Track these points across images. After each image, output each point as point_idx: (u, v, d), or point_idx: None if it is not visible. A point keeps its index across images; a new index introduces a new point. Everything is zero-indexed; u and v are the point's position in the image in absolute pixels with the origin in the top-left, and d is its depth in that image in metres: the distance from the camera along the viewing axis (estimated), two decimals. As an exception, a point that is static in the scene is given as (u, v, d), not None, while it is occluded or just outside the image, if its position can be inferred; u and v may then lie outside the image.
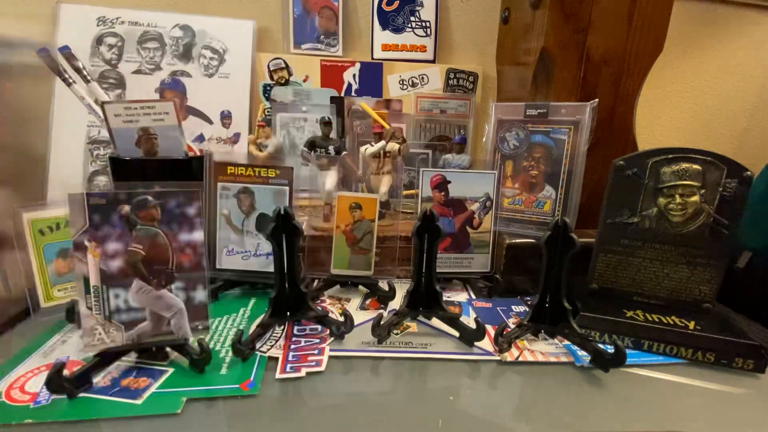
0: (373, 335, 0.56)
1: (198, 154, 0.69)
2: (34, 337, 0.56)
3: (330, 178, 0.76)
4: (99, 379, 0.48)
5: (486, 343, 0.57)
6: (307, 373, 0.50)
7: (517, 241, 0.71)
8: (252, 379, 0.48)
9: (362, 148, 0.79)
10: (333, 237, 0.69)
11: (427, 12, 1.05)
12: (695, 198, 0.59)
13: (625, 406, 0.47)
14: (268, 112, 0.99)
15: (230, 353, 0.52)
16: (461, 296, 0.72)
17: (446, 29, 1.08)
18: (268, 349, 0.54)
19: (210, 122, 0.97)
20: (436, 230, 0.56)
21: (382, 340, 0.57)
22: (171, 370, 0.50)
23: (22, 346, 0.54)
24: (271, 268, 0.56)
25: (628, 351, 0.51)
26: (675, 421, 0.45)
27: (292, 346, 0.55)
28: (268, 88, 1.00)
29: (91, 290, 0.47)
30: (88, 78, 0.71)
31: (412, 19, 1.04)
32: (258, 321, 0.58)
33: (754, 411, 0.48)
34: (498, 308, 0.68)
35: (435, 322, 0.62)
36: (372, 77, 1.04)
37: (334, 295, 0.71)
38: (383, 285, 0.70)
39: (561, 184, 0.71)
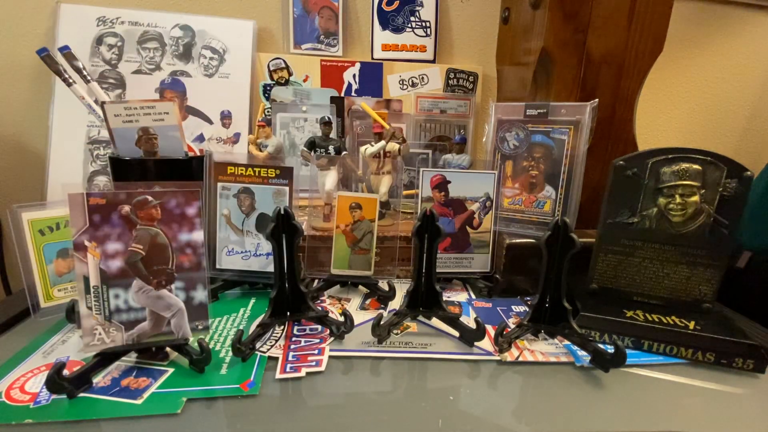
0: (373, 335, 0.56)
1: (198, 154, 0.69)
2: (34, 337, 0.56)
3: (330, 178, 0.76)
4: (99, 379, 0.48)
5: (486, 343, 0.57)
6: (307, 373, 0.50)
7: (517, 241, 0.71)
8: (252, 379, 0.48)
9: (362, 148, 0.79)
10: (333, 237, 0.69)
11: (427, 12, 1.05)
12: (695, 198, 0.59)
13: (625, 406, 0.47)
14: (268, 112, 0.99)
15: (230, 353, 0.52)
16: (461, 296, 0.72)
17: (446, 29, 1.08)
18: (268, 349, 0.54)
19: (210, 122, 0.97)
20: (436, 230, 0.56)
21: (382, 340, 0.57)
22: (171, 370, 0.50)
23: (22, 346, 0.54)
24: (271, 268, 0.56)
25: (628, 351, 0.51)
26: (675, 421, 0.45)
27: (292, 346, 0.55)
28: (268, 88, 1.00)
29: (91, 290, 0.47)
30: (88, 78, 0.71)
31: (412, 19, 1.04)
32: (258, 321, 0.58)
33: (754, 411, 0.48)
34: (498, 308, 0.68)
35: (435, 322, 0.62)
36: (372, 77, 1.04)
37: (334, 295, 0.71)
38: (383, 285, 0.70)
39: (561, 184, 0.71)
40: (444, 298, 0.61)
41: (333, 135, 0.81)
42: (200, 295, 0.51)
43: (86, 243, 0.46)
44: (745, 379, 0.53)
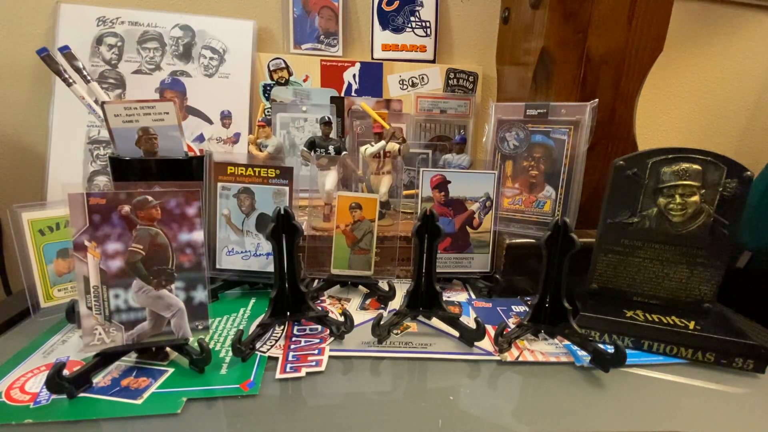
0: (373, 335, 0.56)
1: (198, 154, 0.69)
2: (34, 337, 0.56)
3: (330, 178, 0.76)
4: (99, 379, 0.48)
5: (486, 343, 0.57)
6: (307, 373, 0.50)
7: (517, 241, 0.71)
8: (252, 379, 0.48)
9: (362, 148, 0.79)
10: (333, 237, 0.69)
11: (427, 12, 1.05)
12: (695, 198, 0.59)
13: (625, 406, 0.47)
14: (268, 112, 0.99)
15: (230, 353, 0.52)
16: (461, 296, 0.72)
17: (446, 29, 1.08)
18: (268, 349, 0.54)
19: (210, 122, 0.97)
20: (436, 230, 0.56)
21: (382, 340, 0.57)
22: (171, 370, 0.50)
23: (22, 346, 0.54)
24: (271, 268, 0.56)
25: (628, 351, 0.51)
26: (675, 421, 0.45)
27: (292, 346, 0.55)
28: (268, 88, 1.00)
29: (91, 290, 0.47)
30: (88, 78, 0.71)
31: (412, 19, 1.04)
32: (258, 321, 0.58)
33: (754, 411, 0.48)
34: (498, 308, 0.68)
35: (435, 322, 0.62)
36: (372, 77, 1.04)
37: (334, 295, 0.71)
38: (383, 285, 0.70)
39: (561, 184, 0.71)
40: (444, 298, 0.61)
41: (333, 135, 0.81)
42: (200, 295, 0.51)
43: (86, 243, 0.46)
44: (745, 379, 0.53)
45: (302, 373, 0.50)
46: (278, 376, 0.49)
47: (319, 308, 0.60)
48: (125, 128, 0.63)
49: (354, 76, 1.04)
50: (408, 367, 0.53)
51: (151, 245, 0.48)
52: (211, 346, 0.54)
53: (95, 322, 0.47)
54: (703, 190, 0.59)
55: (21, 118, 0.94)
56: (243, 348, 0.51)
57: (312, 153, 0.78)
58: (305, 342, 0.56)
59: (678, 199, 0.59)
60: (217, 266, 0.67)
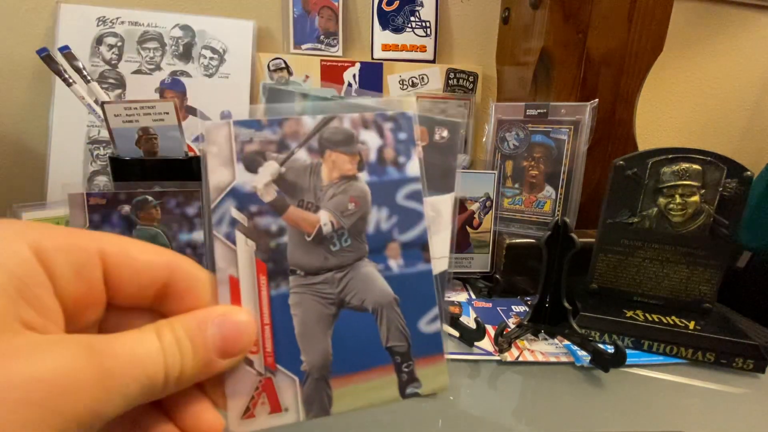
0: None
1: (198, 154, 0.69)
2: None
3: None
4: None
5: (486, 343, 0.57)
6: (307, 373, 0.50)
7: (517, 241, 0.71)
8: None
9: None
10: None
11: (427, 12, 1.05)
12: (695, 198, 0.59)
13: (625, 406, 0.47)
14: (268, 112, 0.99)
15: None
16: (461, 296, 0.72)
17: (446, 29, 1.08)
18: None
19: (210, 122, 0.97)
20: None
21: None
22: (171, 370, 0.50)
23: (22, 346, 0.53)
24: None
25: (628, 351, 0.51)
26: (675, 421, 0.45)
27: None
28: (268, 88, 1.00)
29: (91, 290, 0.47)
30: (88, 78, 0.71)
31: (412, 19, 1.04)
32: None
33: (754, 411, 0.48)
34: (498, 308, 0.68)
35: (435, 322, 0.62)
36: (372, 77, 1.04)
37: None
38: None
39: (561, 184, 0.71)
40: (444, 298, 0.60)
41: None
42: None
43: (86, 243, 0.46)
44: (745, 379, 0.53)
45: (302, 373, 0.50)
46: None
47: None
48: (125, 128, 0.63)
49: (354, 76, 1.04)
50: (408, 367, 0.53)
51: (151, 245, 0.48)
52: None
53: (95, 322, 0.47)
54: (703, 190, 0.59)
55: (21, 118, 0.94)
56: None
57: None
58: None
59: (678, 199, 0.59)
60: (217, 266, 0.67)
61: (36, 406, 0.14)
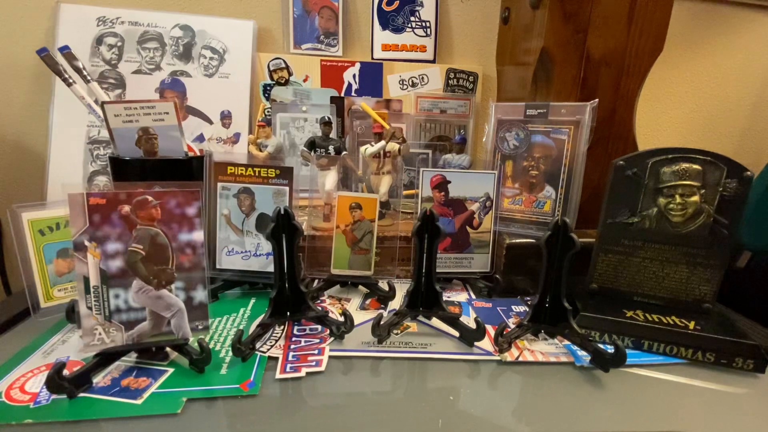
0: (373, 335, 0.56)
1: (198, 154, 0.69)
2: (34, 337, 0.56)
3: (330, 178, 0.76)
4: (99, 379, 0.48)
5: (486, 343, 0.57)
6: (307, 373, 0.50)
7: (517, 241, 0.71)
8: (252, 379, 0.48)
9: (362, 148, 0.79)
10: (333, 237, 0.69)
11: (427, 12, 1.05)
12: (695, 198, 0.59)
13: (625, 406, 0.47)
14: (268, 112, 0.99)
15: (230, 353, 0.52)
16: (461, 296, 0.72)
17: (446, 29, 1.08)
18: (268, 349, 0.54)
19: (210, 122, 0.97)
20: (436, 230, 0.56)
21: (382, 340, 0.57)
22: (171, 370, 0.50)
23: (22, 346, 0.54)
24: (271, 268, 0.56)
25: (628, 351, 0.51)
26: (675, 421, 0.45)
27: (292, 346, 0.55)
28: (268, 88, 1.00)
29: (91, 290, 0.47)
30: (88, 78, 0.71)
31: (412, 19, 1.04)
32: (258, 321, 0.58)
33: (754, 411, 0.48)
34: (498, 308, 0.68)
35: (435, 322, 0.62)
36: (372, 77, 1.04)
37: (334, 295, 0.71)
38: (383, 285, 0.70)
39: (561, 184, 0.71)
40: (444, 298, 0.61)
41: (333, 135, 0.81)
42: (200, 295, 0.51)
43: (86, 243, 0.46)
44: (745, 379, 0.53)
45: (302, 373, 0.50)
46: (278, 376, 0.49)
47: (319, 308, 0.60)
48: (125, 128, 0.63)
49: (354, 76, 1.04)
50: (408, 367, 0.53)
51: (151, 245, 0.48)
52: (210, 346, 0.54)
53: (95, 322, 0.47)
54: (703, 190, 0.59)
55: (21, 118, 0.94)
56: (243, 348, 0.51)
57: (312, 153, 0.78)
58: (305, 342, 0.56)
59: (678, 199, 0.59)
60: (217, 266, 0.67)
61: None
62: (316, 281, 0.71)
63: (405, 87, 1.06)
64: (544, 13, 0.74)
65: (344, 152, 0.80)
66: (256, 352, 0.53)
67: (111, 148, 0.65)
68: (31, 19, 0.90)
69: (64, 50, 0.72)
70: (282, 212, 0.53)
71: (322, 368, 0.51)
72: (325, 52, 1.03)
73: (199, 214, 0.50)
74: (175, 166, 0.65)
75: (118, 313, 0.48)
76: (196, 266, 0.50)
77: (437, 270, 0.59)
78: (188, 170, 0.66)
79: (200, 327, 0.51)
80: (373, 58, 1.05)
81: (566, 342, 0.58)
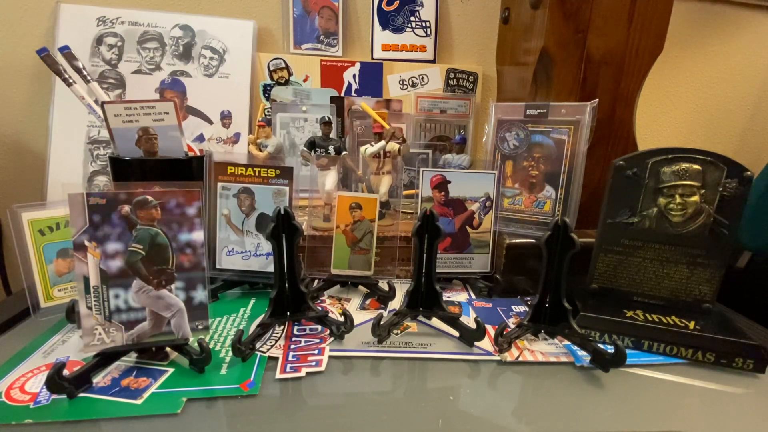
0: (373, 335, 0.56)
1: (198, 154, 0.69)
2: (34, 337, 0.56)
3: (330, 178, 0.76)
4: (99, 379, 0.48)
5: (486, 343, 0.57)
6: (307, 373, 0.50)
7: (517, 241, 0.71)
8: (252, 379, 0.48)
9: (362, 148, 0.79)
10: (333, 237, 0.69)
11: (427, 12, 1.05)
12: (695, 198, 0.59)
13: (625, 406, 0.47)
14: (268, 112, 0.99)
15: (230, 353, 0.52)
16: (461, 296, 0.72)
17: (446, 29, 1.08)
18: (268, 349, 0.54)
19: (210, 122, 0.97)
20: (436, 230, 0.56)
21: (382, 340, 0.57)
22: (171, 370, 0.50)
23: (22, 346, 0.54)
24: (271, 268, 0.56)
25: (628, 351, 0.51)
26: (675, 421, 0.45)
27: (292, 346, 0.55)
28: (268, 88, 1.00)
29: (91, 290, 0.47)
30: (88, 78, 0.71)
31: (412, 19, 1.04)
32: (258, 321, 0.58)
33: (754, 411, 0.48)
34: (498, 308, 0.68)
35: (435, 322, 0.62)
36: (372, 77, 1.04)
37: (334, 295, 0.71)
38: (383, 285, 0.70)
39: (561, 184, 0.71)
40: (444, 298, 0.61)
41: (333, 135, 0.81)
42: (200, 295, 0.51)
43: (86, 243, 0.46)
44: (745, 379, 0.53)
45: (302, 373, 0.50)
46: (278, 376, 0.49)
47: (319, 308, 0.60)
48: (125, 128, 0.63)
49: (354, 76, 1.04)
50: (408, 367, 0.53)
51: (151, 245, 0.48)
52: (211, 346, 0.54)
53: (95, 322, 0.47)
54: (703, 190, 0.59)
55: (21, 118, 0.94)
56: (243, 348, 0.51)
57: (312, 153, 0.78)
58: (305, 342, 0.56)
59: (678, 199, 0.59)
60: (217, 266, 0.67)
61: None
62: (316, 281, 0.71)
63: (405, 87, 1.06)
64: (544, 13, 0.74)
65: (344, 152, 0.80)
66: (256, 352, 0.53)
67: (111, 148, 0.65)
68: (31, 19, 0.90)
69: (64, 50, 0.72)
70: (282, 212, 0.53)
71: (322, 368, 0.51)
72: (325, 52, 1.03)
73: (199, 214, 0.50)
74: (175, 166, 0.65)
75: (118, 313, 0.48)
76: (196, 266, 0.50)
77: (437, 270, 0.59)
78: (188, 170, 0.66)
79: (200, 327, 0.51)
80: (373, 58, 1.05)
81: (566, 342, 0.58)
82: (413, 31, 1.05)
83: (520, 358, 0.54)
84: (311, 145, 0.79)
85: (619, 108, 0.77)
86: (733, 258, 0.90)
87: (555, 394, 0.49)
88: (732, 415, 0.47)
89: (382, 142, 0.77)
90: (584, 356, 0.54)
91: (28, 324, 0.59)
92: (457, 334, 0.59)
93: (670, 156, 0.59)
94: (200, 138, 0.96)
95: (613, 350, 0.51)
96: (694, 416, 0.46)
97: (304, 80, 1.02)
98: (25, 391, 0.45)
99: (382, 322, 0.56)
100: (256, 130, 0.81)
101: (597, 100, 0.68)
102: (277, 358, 0.52)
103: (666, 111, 1.21)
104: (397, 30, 1.04)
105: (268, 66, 1.00)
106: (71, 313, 0.57)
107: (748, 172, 0.57)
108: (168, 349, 0.52)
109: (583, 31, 0.73)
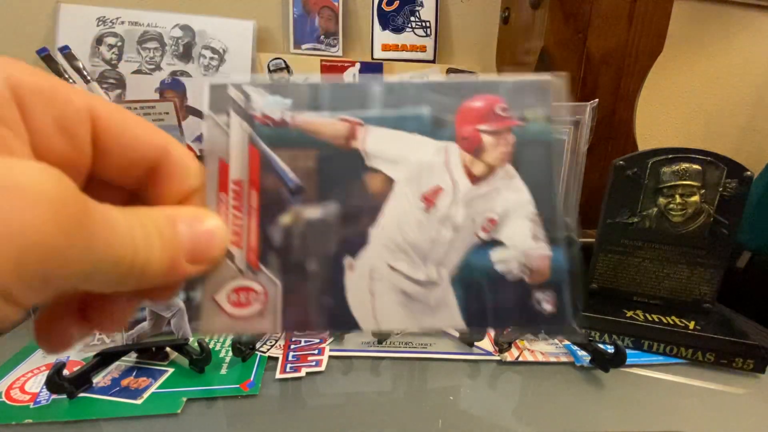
0: (373, 335, 0.56)
1: (198, 154, 0.69)
2: (34, 337, 0.55)
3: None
4: (99, 379, 0.47)
5: (486, 343, 0.57)
6: (307, 373, 0.50)
7: (517, 241, 0.71)
8: (252, 379, 0.48)
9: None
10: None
11: (427, 12, 1.05)
12: (695, 198, 0.59)
13: (625, 406, 0.47)
14: (268, 112, 0.99)
15: (230, 353, 0.52)
16: (461, 296, 0.72)
17: (446, 29, 1.08)
18: (268, 349, 0.54)
19: (210, 122, 0.97)
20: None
21: (382, 340, 0.57)
22: (171, 370, 0.50)
23: (22, 346, 0.54)
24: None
25: (628, 351, 0.51)
26: (675, 421, 0.45)
27: (292, 346, 0.55)
28: (268, 88, 1.00)
29: (91, 290, 0.47)
30: (88, 78, 0.71)
31: (412, 19, 1.04)
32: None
33: (754, 411, 0.48)
34: (498, 308, 0.68)
35: (435, 322, 0.62)
36: (372, 77, 1.04)
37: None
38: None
39: (561, 184, 0.71)
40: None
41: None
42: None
43: (86, 243, 0.46)
44: (745, 379, 0.53)
45: (302, 373, 0.50)
46: (278, 376, 0.49)
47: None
48: (125, 128, 0.63)
49: (354, 76, 1.04)
50: (408, 367, 0.53)
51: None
52: (211, 346, 0.54)
53: (95, 322, 0.47)
54: (703, 190, 0.59)
55: (21, 118, 0.94)
56: (243, 348, 0.51)
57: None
58: (305, 342, 0.56)
59: (678, 199, 0.59)
60: (217, 266, 0.67)
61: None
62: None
63: (405, 87, 1.06)
64: (544, 13, 0.74)
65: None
66: (256, 352, 0.53)
67: (111, 148, 0.65)
68: (31, 19, 0.90)
69: (64, 50, 0.72)
70: None
71: (322, 368, 0.51)
72: (325, 52, 1.03)
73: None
74: (175, 166, 0.65)
75: (118, 313, 0.48)
76: (196, 266, 0.50)
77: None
78: (188, 170, 0.66)
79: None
80: (373, 58, 1.05)
81: (566, 342, 0.58)
82: (413, 31, 1.05)
83: (520, 358, 0.54)
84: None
85: (619, 108, 0.77)
86: (733, 258, 0.90)
87: (555, 394, 0.49)
88: (732, 415, 0.47)
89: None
90: (584, 356, 0.54)
91: (28, 324, 0.59)
92: (457, 334, 0.59)
93: (670, 156, 0.59)
94: (200, 138, 0.96)
95: (613, 350, 0.51)
96: (694, 416, 0.46)
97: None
98: (25, 391, 0.45)
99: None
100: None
101: (597, 100, 0.68)
102: (277, 358, 0.52)
103: (666, 111, 1.21)
104: (397, 30, 1.04)
105: (268, 66, 1.00)
106: (71, 313, 0.57)
107: (748, 172, 0.57)
108: (168, 349, 0.52)
109: (583, 31, 0.73)
